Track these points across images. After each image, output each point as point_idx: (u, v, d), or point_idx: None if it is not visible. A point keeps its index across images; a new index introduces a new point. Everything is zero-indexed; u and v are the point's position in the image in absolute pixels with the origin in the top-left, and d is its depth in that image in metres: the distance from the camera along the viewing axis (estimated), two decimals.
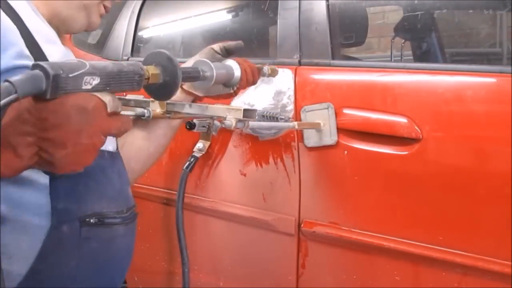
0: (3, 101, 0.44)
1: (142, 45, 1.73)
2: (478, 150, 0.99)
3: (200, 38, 1.94)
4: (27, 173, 0.65)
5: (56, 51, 0.76)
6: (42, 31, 0.76)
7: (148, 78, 0.62)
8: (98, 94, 0.54)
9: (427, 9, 1.75)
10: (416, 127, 1.03)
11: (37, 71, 0.47)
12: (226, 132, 1.30)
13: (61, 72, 0.48)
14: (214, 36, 1.89)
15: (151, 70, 0.63)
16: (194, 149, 1.34)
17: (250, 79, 0.99)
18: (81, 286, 0.77)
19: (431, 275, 1.06)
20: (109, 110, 0.56)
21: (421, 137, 1.03)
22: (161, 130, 1.01)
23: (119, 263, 0.85)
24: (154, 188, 1.49)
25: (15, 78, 0.45)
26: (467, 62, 1.05)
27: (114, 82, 0.55)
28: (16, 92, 0.45)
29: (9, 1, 0.72)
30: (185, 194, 1.34)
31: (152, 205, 1.52)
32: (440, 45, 1.90)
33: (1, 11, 0.68)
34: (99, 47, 1.70)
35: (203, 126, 1.29)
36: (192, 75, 0.79)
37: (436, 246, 1.03)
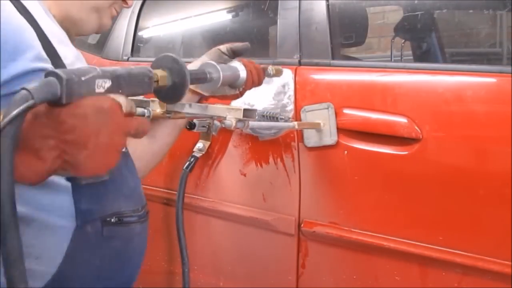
0: (21, 107, 0.45)
1: (142, 45, 1.73)
2: (478, 150, 0.99)
3: (200, 38, 1.94)
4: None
5: (70, 52, 0.77)
6: (56, 32, 0.76)
7: (157, 81, 0.64)
8: (111, 95, 0.55)
9: (427, 9, 1.75)
10: (416, 127, 1.03)
11: (51, 78, 0.49)
12: (226, 132, 1.30)
13: (74, 76, 0.49)
14: (214, 36, 1.90)
15: (159, 73, 0.64)
16: (194, 149, 1.34)
17: (255, 80, 1.00)
18: (104, 284, 0.79)
19: (431, 275, 1.06)
20: (124, 110, 0.56)
21: (421, 137, 1.03)
22: (166, 129, 1.03)
23: (137, 260, 0.89)
24: (154, 188, 1.48)
25: (31, 85, 0.47)
26: (467, 62, 1.05)
27: (125, 84, 0.56)
28: (33, 98, 0.46)
29: (22, 1, 0.72)
30: (185, 194, 1.34)
31: (152, 205, 1.50)
32: (440, 45, 1.90)
33: (17, 11, 0.68)
34: (99, 47, 1.70)
35: (203, 126, 1.29)
36: (199, 77, 0.80)
37: (436, 246, 1.03)
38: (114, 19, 0.92)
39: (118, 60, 1.62)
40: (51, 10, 0.81)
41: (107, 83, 0.53)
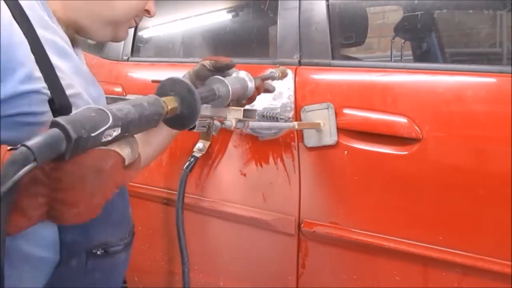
0: (22, 172, 0.41)
1: (142, 45, 1.73)
2: (478, 150, 0.99)
3: (200, 38, 1.94)
4: None
5: (69, 66, 0.70)
6: (55, 42, 0.68)
7: (167, 113, 0.58)
8: (117, 148, 0.52)
9: (427, 9, 1.75)
10: (416, 127, 1.03)
11: (57, 132, 0.43)
12: (226, 132, 1.30)
13: (83, 132, 0.44)
14: (214, 36, 1.89)
15: (171, 104, 0.59)
16: (194, 149, 1.34)
17: (261, 91, 0.96)
18: None
19: (431, 275, 1.06)
20: (126, 163, 0.53)
21: (421, 137, 1.03)
22: (161, 136, 0.98)
23: (117, 284, 0.84)
24: (154, 188, 1.49)
25: (33, 142, 0.41)
26: (467, 62, 1.05)
27: (133, 127, 0.52)
28: (35, 159, 0.41)
29: (22, 5, 0.64)
30: (185, 194, 1.34)
31: (152, 205, 1.52)
32: (440, 45, 1.90)
33: (12, 21, 0.61)
34: (99, 47, 1.70)
35: (203, 126, 1.29)
36: (208, 96, 0.74)
37: (436, 246, 1.03)
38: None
39: (118, 60, 1.62)
40: (57, 13, 0.72)
41: (116, 132, 0.49)
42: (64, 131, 0.43)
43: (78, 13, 0.73)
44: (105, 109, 0.48)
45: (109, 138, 0.48)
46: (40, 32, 0.65)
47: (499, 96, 0.98)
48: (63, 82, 0.65)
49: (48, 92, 0.62)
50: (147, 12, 0.82)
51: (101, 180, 0.50)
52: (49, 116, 0.62)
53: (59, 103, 0.63)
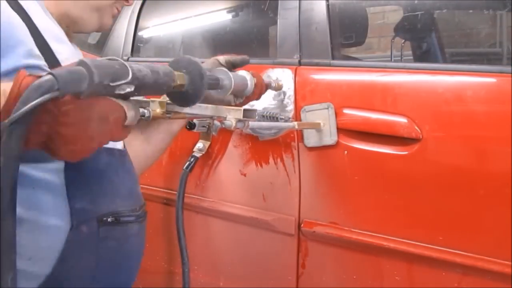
0: (44, 97, 0.42)
1: (142, 45, 1.73)
2: (478, 150, 0.99)
3: (200, 38, 1.94)
4: (42, 175, 0.67)
5: (65, 50, 0.76)
6: (51, 29, 0.75)
7: (174, 87, 0.62)
8: (125, 105, 0.54)
9: (427, 9, 1.75)
10: (416, 127, 1.03)
11: (83, 72, 0.45)
12: (226, 132, 1.30)
13: (105, 79, 0.47)
14: (214, 36, 1.90)
15: (180, 80, 0.62)
16: (194, 149, 1.34)
17: (261, 92, 0.99)
18: (100, 286, 0.78)
19: (431, 275, 1.06)
20: (126, 123, 0.56)
21: (421, 137, 1.03)
22: (160, 135, 1.01)
23: (134, 261, 0.87)
24: (154, 188, 1.49)
25: (59, 73, 0.44)
26: (467, 62, 1.04)
27: (144, 90, 0.55)
28: (58, 89, 0.43)
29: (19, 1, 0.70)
30: (185, 194, 1.34)
31: (152, 205, 1.52)
32: (440, 45, 1.90)
33: (10, 8, 0.67)
34: (99, 47, 1.70)
35: (203, 126, 1.29)
36: (212, 83, 0.77)
37: (436, 246, 1.03)
38: (115, 18, 0.91)
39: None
40: (50, 8, 0.79)
41: (129, 89, 0.51)
42: (90, 73, 0.45)
43: (69, 5, 0.80)
44: (127, 66, 0.51)
45: (122, 92, 0.51)
46: (36, 21, 0.70)
47: (499, 96, 0.98)
48: (60, 58, 0.69)
49: (48, 70, 0.65)
50: (126, 1, 0.88)
51: (102, 127, 0.53)
52: None
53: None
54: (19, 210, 0.65)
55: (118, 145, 0.83)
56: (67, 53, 0.75)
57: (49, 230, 0.70)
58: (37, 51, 0.67)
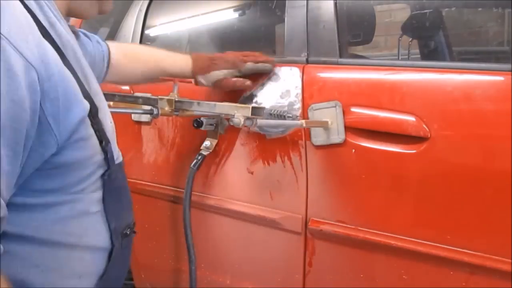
0: None
1: (149, 43, 1.74)
2: (487, 149, 0.99)
3: (207, 36, 1.94)
4: (89, 206, 0.75)
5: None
6: (71, 45, 0.74)
7: None
8: None
9: (434, 7, 1.75)
10: (424, 126, 1.03)
11: None
12: (233, 130, 1.30)
13: None
14: (221, 34, 1.90)
15: None
16: (202, 147, 1.34)
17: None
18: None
19: (439, 274, 1.05)
20: None
21: (429, 135, 1.02)
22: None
23: (128, 266, 0.96)
24: (162, 186, 1.49)
25: None
26: (475, 61, 1.04)
27: None
28: None
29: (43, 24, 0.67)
30: (192, 192, 1.35)
31: (159, 203, 1.52)
32: (447, 43, 1.89)
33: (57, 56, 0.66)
34: None
35: (211, 124, 1.29)
36: None
37: (443, 245, 1.03)
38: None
39: None
40: (60, 8, 0.77)
41: None
42: None
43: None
44: None
45: None
46: (64, 50, 0.70)
47: (508, 94, 0.98)
48: (86, 86, 0.72)
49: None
50: None
51: None
52: (90, 126, 0.71)
53: (92, 108, 0.71)
54: (73, 239, 0.74)
55: (120, 158, 0.84)
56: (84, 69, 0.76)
57: (97, 252, 0.79)
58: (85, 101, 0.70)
